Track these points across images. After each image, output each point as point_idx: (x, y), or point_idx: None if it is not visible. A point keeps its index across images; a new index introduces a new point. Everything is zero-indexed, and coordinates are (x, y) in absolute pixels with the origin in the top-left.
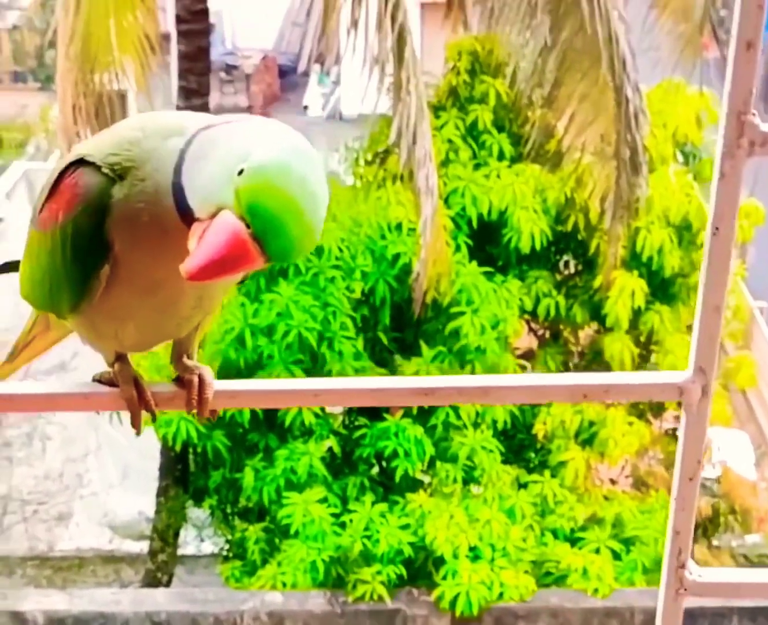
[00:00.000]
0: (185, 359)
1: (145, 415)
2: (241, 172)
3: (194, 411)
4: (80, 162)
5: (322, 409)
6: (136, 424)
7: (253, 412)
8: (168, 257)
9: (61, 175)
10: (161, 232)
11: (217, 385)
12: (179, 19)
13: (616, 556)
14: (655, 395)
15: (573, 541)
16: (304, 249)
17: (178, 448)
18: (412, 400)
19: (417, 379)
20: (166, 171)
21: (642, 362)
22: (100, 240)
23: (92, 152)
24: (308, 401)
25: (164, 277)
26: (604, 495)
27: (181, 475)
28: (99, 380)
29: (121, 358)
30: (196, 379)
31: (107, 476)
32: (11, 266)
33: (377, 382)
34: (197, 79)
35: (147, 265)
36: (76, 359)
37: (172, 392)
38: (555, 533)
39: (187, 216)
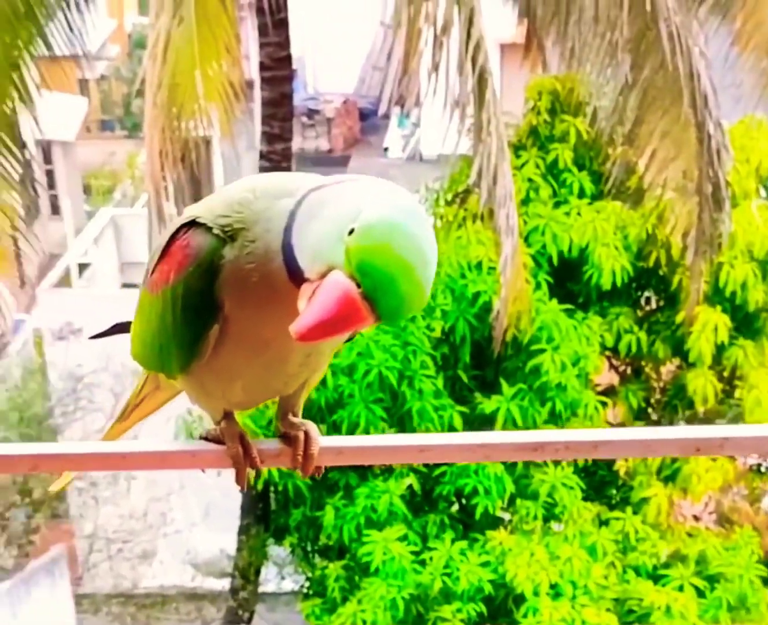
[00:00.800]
0: (291, 416)
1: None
2: (351, 232)
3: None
4: (191, 224)
5: None
6: (240, 481)
7: None
8: (277, 317)
9: (173, 237)
10: (271, 292)
11: (322, 441)
12: (263, 67)
13: (700, 593)
14: None
15: (656, 578)
16: (413, 308)
17: (259, 487)
18: (520, 455)
19: (525, 433)
20: (277, 232)
21: (726, 397)
22: (210, 300)
23: (203, 214)
24: (414, 458)
25: (273, 336)
26: (688, 532)
27: (263, 513)
28: (205, 437)
29: (227, 416)
30: (302, 435)
31: (190, 514)
32: (121, 327)
33: (484, 437)
34: (280, 124)
35: (256, 324)
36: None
37: (278, 449)
38: (637, 571)
39: (297, 276)
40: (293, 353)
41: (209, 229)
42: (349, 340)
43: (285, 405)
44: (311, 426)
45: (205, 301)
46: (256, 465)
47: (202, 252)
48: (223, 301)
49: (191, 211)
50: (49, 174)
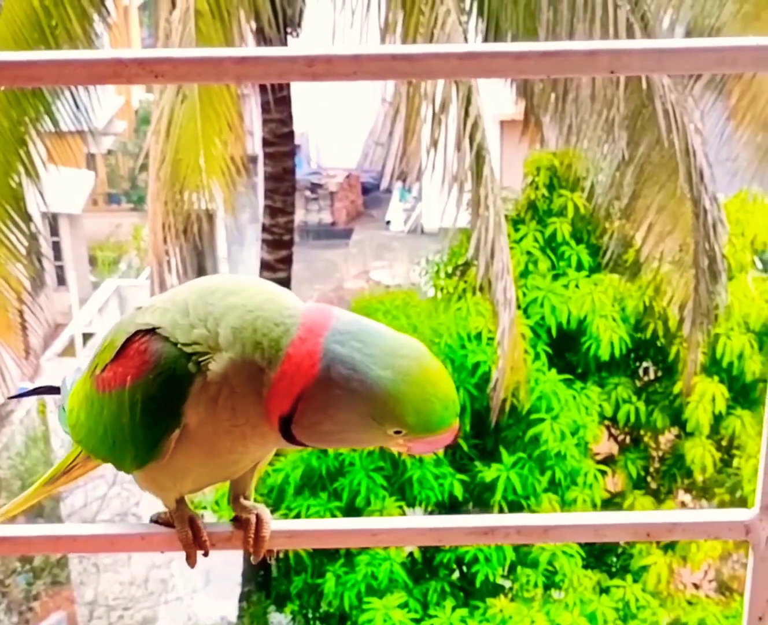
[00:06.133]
0: (242, 500)
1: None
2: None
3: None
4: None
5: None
6: (191, 563)
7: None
8: (240, 433)
9: (129, 339)
10: (236, 414)
11: (274, 525)
12: (266, 142)
13: None
14: (721, 534)
15: None
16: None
17: None
18: (471, 539)
19: (477, 517)
20: (241, 347)
21: (724, 466)
22: (170, 408)
23: (162, 323)
24: (367, 542)
25: (233, 445)
26: (688, 599)
27: (264, 580)
28: (156, 520)
29: (177, 500)
30: (253, 518)
31: (191, 581)
32: (45, 390)
33: (437, 521)
34: (282, 198)
35: (217, 433)
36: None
37: (228, 532)
38: None
39: (291, 438)
40: (250, 453)
41: (168, 340)
42: None
43: (236, 488)
44: (263, 509)
45: (166, 409)
46: (206, 548)
47: (160, 360)
48: (184, 409)
49: (148, 319)
50: (56, 246)
